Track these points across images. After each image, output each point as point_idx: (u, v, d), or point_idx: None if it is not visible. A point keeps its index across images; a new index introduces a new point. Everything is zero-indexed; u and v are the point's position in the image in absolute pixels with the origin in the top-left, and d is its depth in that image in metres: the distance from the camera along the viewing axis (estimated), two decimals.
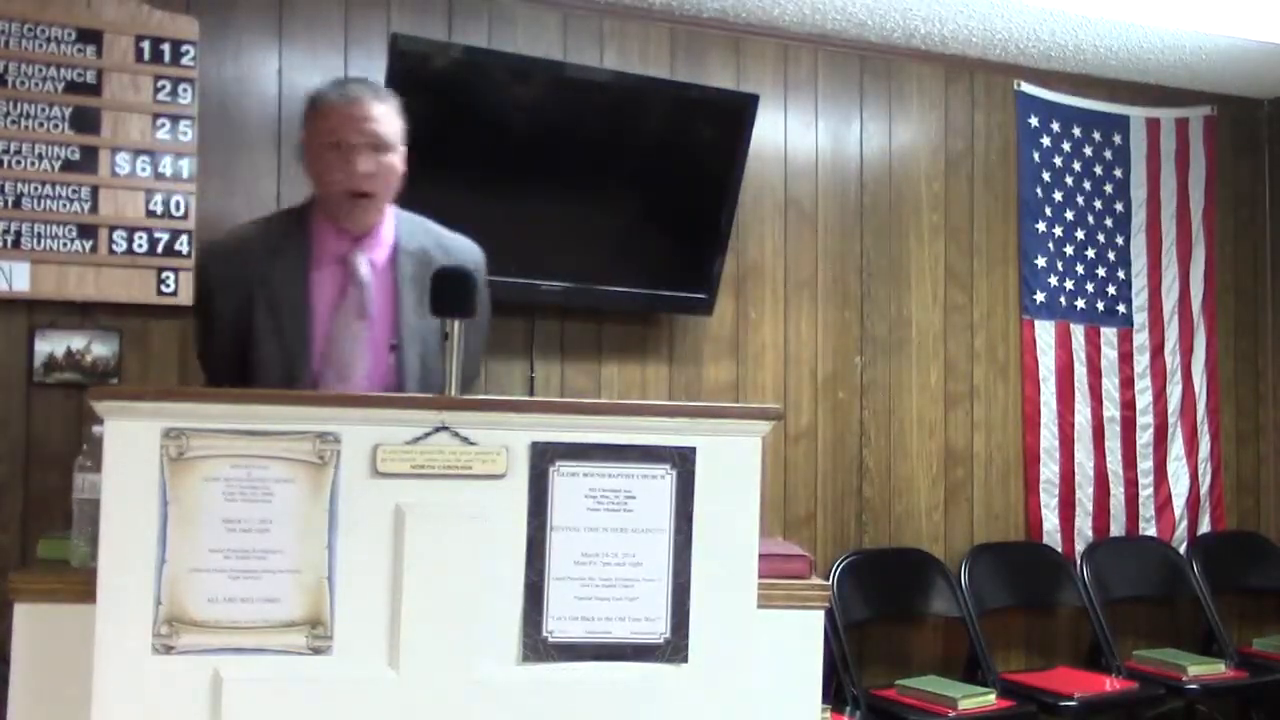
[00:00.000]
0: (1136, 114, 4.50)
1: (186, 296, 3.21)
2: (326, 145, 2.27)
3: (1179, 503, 4.47)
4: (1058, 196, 4.36)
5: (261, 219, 2.50)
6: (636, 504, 1.74)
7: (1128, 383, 4.42)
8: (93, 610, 1.62)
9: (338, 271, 2.32)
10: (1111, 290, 4.43)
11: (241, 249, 2.37)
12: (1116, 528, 4.35)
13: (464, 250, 2.46)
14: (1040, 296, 4.31)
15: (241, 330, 2.30)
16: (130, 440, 1.62)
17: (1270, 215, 4.73)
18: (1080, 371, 4.35)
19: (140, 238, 3.17)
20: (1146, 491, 4.42)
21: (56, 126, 3.11)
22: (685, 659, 1.75)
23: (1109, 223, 4.44)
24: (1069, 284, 4.36)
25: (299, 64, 3.39)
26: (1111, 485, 4.36)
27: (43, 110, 3.10)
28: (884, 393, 4.10)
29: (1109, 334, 4.41)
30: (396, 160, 2.34)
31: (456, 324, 1.88)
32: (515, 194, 3.45)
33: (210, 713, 1.62)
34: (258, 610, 1.64)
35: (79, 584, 1.70)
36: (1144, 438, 4.43)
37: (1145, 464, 4.42)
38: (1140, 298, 4.47)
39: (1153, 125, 4.52)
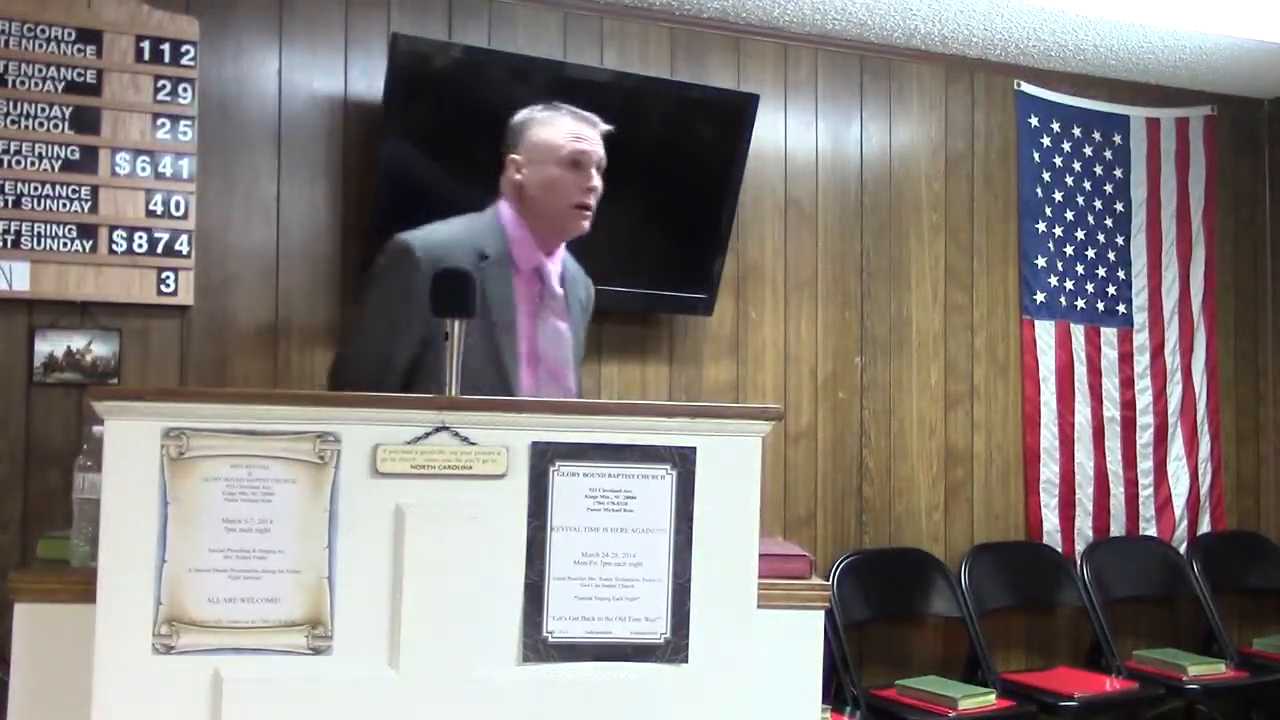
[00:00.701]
0: (1136, 114, 4.50)
1: (186, 296, 3.21)
2: (564, 161, 2.44)
3: (1179, 503, 4.47)
4: (1058, 196, 4.36)
5: (451, 222, 2.47)
6: (636, 504, 1.74)
7: (1128, 383, 4.42)
8: (93, 610, 1.62)
9: (533, 279, 2.45)
10: (1111, 290, 4.43)
11: (454, 250, 2.36)
12: (1116, 528, 4.35)
13: (587, 278, 2.70)
14: (1040, 296, 4.31)
15: (436, 326, 2.30)
16: (130, 440, 1.62)
17: (1270, 215, 4.73)
18: (1080, 371, 4.35)
19: (140, 238, 3.17)
20: (1146, 491, 4.42)
21: (56, 126, 3.11)
22: (685, 659, 1.75)
23: (1109, 223, 4.44)
24: (1069, 284, 4.36)
25: (299, 64, 3.39)
26: (1111, 485, 4.36)
27: (43, 110, 3.10)
28: (884, 393, 4.10)
29: (1109, 334, 4.41)
30: None
31: (456, 324, 1.88)
32: None
33: (210, 713, 1.62)
34: (258, 610, 1.64)
35: (79, 584, 1.70)
36: (1144, 438, 4.43)
37: (1145, 464, 4.42)
38: (1140, 298, 4.47)
39: (1153, 125, 4.52)
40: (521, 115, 2.55)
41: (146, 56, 3.19)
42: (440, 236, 2.41)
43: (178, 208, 3.21)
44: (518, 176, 2.47)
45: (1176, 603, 4.41)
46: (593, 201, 2.47)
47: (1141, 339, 4.46)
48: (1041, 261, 4.31)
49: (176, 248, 3.20)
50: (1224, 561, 4.44)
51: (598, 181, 2.48)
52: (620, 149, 3.60)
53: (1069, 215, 4.37)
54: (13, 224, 3.06)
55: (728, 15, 3.84)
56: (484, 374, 2.29)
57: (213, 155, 3.29)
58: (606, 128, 2.52)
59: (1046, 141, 4.35)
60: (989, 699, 3.59)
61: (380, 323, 2.41)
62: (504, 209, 2.49)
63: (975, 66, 4.27)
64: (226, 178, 3.31)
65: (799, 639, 1.90)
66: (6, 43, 3.07)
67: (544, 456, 1.71)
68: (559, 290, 2.50)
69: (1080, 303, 4.38)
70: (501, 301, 2.38)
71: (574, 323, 2.55)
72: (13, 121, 3.07)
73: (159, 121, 3.20)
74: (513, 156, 2.49)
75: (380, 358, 2.36)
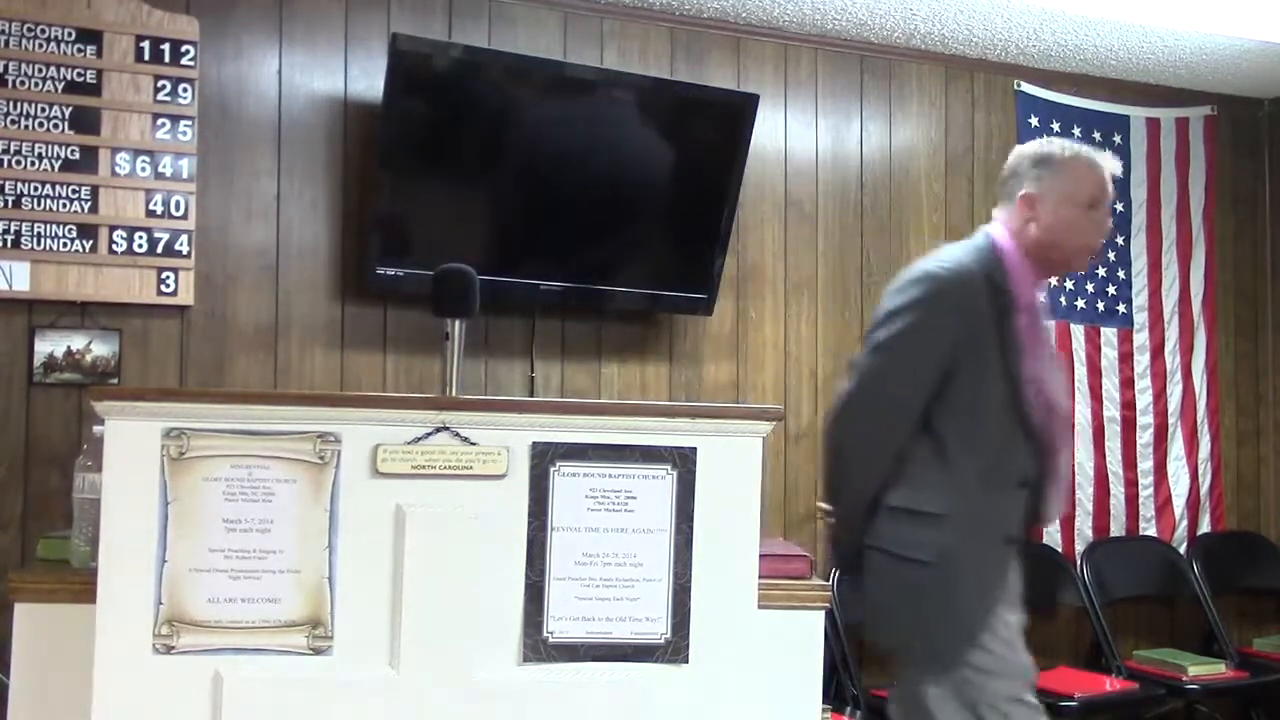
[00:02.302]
0: (1136, 114, 4.49)
1: (186, 296, 3.21)
2: (1085, 203, 2.48)
3: (1179, 503, 4.46)
4: None
5: (956, 249, 2.48)
6: (637, 504, 1.74)
7: (1128, 383, 4.42)
8: (93, 610, 1.62)
9: (1029, 314, 2.48)
10: (1111, 290, 4.43)
11: (974, 280, 2.39)
12: (1117, 528, 4.35)
13: None
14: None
15: (961, 361, 2.35)
16: (131, 440, 1.62)
17: (1270, 215, 4.73)
18: (1080, 371, 4.35)
19: (140, 238, 3.17)
20: (1147, 491, 4.42)
21: (56, 126, 3.11)
22: (685, 659, 1.75)
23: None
24: (1069, 284, 4.36)
25: (299, 64, 3.39)
26: (1112, 485, 4.36)
27: (43, 110, 3.10)
28: None
29: (1109, 334, 4.41)
30: None
31: (457, 324, 1.88)
32: (515, 194, 3.45)
33: (210, 713, 1.62)
34: (258, 610, 1.64)
35: (79, 584, 1.70)
36: (1144, 438, 4.43)
37: (1145, 464, 4.42)
38: (1140, 298, 4.47)
39: (1153, 125, 4.52)
40: (1037, 150, 2.54)
41: (146, 56, 3.19)
42: (961, 265, 2.41)
43: (178, 208, 3.21)
44: (1030, 213, 2.46)
45: (1176, 603, 4.41)
46: (1102, 243, 2.56)
47: (1141, 339, 4.46)
48: None
49: (176, 248, 3.20)
50: (1224, 561, 4.44)
51: (1110, 222, 2.57)
52: (620, 149, 3.62)
53: None
54: (13, 224, 3.06)
55: (728, 15, 3.84)
56: (995, 416, 2.37)
57: (213, 155, 3.29)
58: (1117, 164, 2.59)
59: None
60: None
61: (911, 356, 2.39)
62: (1000, 241, 2.47)
63: (975, 66, 4.27)
64: (226, 178, 3.31)
65: (799, 639, 1.90)
66: (6, 43, 3.07)
67: (544, 457, 1.71)
68: (1048, 322, 2.65)
69: (1080, 303, 4.37)
70: (1014, 341, 2.43)
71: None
72: (13, 121, 3.07)
73: (159, 121, 3.20)
74: (1027, 193, 2.47)
75: (911, 387, 2.35)
